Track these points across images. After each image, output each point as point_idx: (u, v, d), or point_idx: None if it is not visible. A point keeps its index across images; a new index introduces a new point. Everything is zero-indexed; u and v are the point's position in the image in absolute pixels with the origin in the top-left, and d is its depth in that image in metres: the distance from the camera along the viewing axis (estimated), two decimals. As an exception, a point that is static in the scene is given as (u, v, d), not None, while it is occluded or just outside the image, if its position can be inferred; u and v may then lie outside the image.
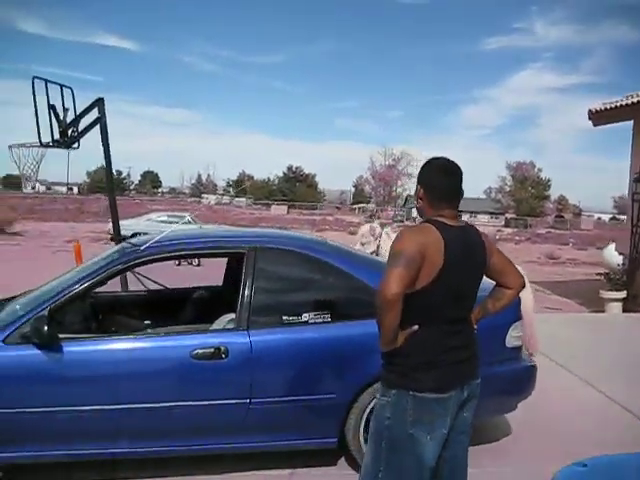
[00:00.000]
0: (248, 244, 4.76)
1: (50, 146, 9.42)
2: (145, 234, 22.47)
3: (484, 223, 71.13)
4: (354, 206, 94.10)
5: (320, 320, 4.57)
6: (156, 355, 4.40)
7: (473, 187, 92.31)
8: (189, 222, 28.25)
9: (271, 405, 4.48)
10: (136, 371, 4.35)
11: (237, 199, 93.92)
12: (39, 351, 4.18)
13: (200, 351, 4.33)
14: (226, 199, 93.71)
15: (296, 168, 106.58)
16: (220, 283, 6.58)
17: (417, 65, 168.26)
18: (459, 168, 3.16)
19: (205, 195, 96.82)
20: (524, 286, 3.38)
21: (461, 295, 3.07)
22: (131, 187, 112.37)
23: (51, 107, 9.11)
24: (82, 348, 4.36)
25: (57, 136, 9.28)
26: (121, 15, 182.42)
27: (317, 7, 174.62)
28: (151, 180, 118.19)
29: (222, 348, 4.35)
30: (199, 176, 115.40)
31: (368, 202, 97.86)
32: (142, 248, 4.57)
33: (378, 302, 2.84)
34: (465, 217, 75.88)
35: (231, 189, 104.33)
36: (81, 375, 4.29)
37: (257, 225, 43.07)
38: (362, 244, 8.66)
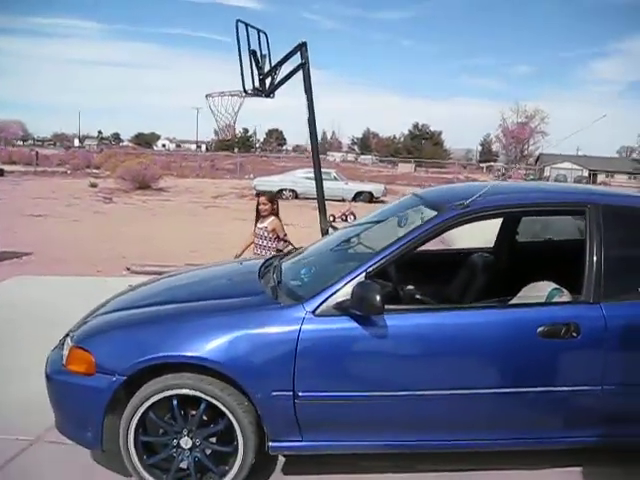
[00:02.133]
0: (590, 201, 3.91)
1: (249, 95, 8.85)
2: (292, 191, 21.92)
3: (621, 183, 67.10)
4: (482, 164, 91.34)
5: None
6: (496, 332, 3.66)
7: (606, 146, 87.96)
8: (335, 178, 27.95)
9: (624, 393, 3.72)
10: (472, 351, 3.64)
11: (362, 157, 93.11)
12: (358, 324, 3.50)
13: (548, 328, 3.56)
14: (351, 157, 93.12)
15: (422, 126, 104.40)
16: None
17: (546, 19, 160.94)
18: None
19: (330, 153, 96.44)
20: None
21: None
22: (257, 145, 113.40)
23: (252, 53, 8.48)
24: (405, 322, 3.64)
25: (257, 84, 8.70)
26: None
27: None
28: (276, 137, 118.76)
29: (572, 325, 3.57)
30: (324, 134, 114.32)
31: (495, 160, 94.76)
32: (466, 203, 3.77)
33: None
34: (601, 177, 72.33)
35: (356, 147, 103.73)
36: (407, 354, 3.61)
37: (394, 183, 42.13)
38: None
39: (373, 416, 3.64)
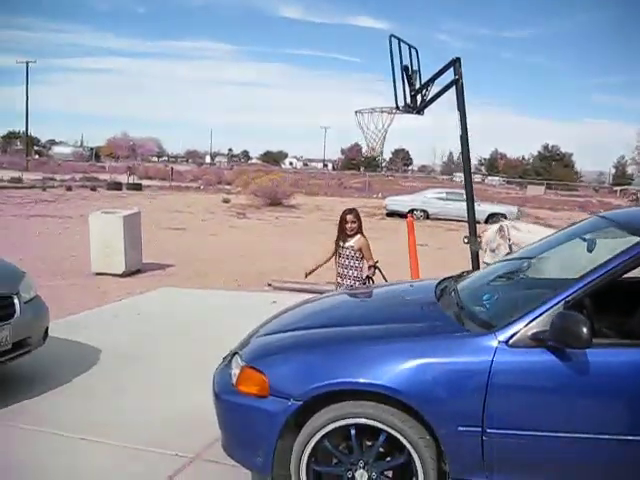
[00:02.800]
0: None
1: (400, 112, 8.62)
2: (424, 211, 21.50)
3: None
4: (616, 188, 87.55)
5: None
6: None
7: None
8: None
9: None
10: None
11: (489, 178, 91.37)
12: (557, 358, 3.16)
13: None
14: (478, 178, 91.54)
15: (552, 147, 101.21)
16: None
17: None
18: None
19: (456, 173, 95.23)
20: None
21: None
22: (382, 164, 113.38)
23: (404, 69, 8.25)
24: (610, 358, 3.25)
25: (409, 100, 8.45)
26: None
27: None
28: (402, 157, 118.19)
29: None
30: (450, 154, 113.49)
31: (630, 184, 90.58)
32: None
33: None
34: None
35: (483, 168, 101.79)
36: (612, 394, 3.22)
37: (524, 205, 40.95)
38: (492, 250, 7.23)
39: (569, 460, 3.28)
